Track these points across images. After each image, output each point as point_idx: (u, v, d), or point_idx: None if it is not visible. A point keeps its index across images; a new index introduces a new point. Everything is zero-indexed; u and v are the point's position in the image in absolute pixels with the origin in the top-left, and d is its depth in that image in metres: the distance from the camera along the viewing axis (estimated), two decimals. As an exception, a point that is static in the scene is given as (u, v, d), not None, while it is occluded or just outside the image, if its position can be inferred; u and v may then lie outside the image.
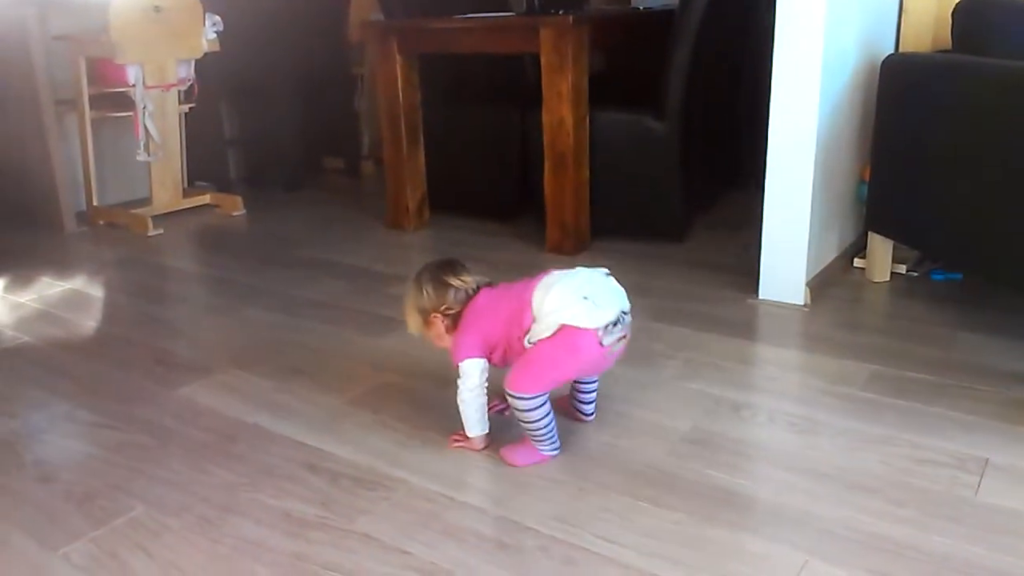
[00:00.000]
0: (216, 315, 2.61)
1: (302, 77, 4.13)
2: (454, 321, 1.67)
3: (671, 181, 2.90)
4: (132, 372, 2.16)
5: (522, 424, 1.62)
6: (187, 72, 3.62)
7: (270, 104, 4.11)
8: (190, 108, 3.77)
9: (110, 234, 3.52)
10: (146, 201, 3.70)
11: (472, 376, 1.64)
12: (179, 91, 3.64)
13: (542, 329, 1.56)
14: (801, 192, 2.31)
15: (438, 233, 3.30)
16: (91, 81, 3.43)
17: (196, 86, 3.68)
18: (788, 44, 2.24)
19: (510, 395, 1.59)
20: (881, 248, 2.52)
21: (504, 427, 1.75)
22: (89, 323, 2.54)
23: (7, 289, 2.87)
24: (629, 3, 3.97)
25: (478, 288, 1.69)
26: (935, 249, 2.41)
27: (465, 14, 3.05)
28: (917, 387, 1.90)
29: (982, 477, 1.55)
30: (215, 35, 3.57)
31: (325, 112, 4.36)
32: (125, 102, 3.48)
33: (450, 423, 1.75)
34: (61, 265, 3.12)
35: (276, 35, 4.00)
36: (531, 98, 2.96)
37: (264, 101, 4.11)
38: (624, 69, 3.56)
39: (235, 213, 3.75)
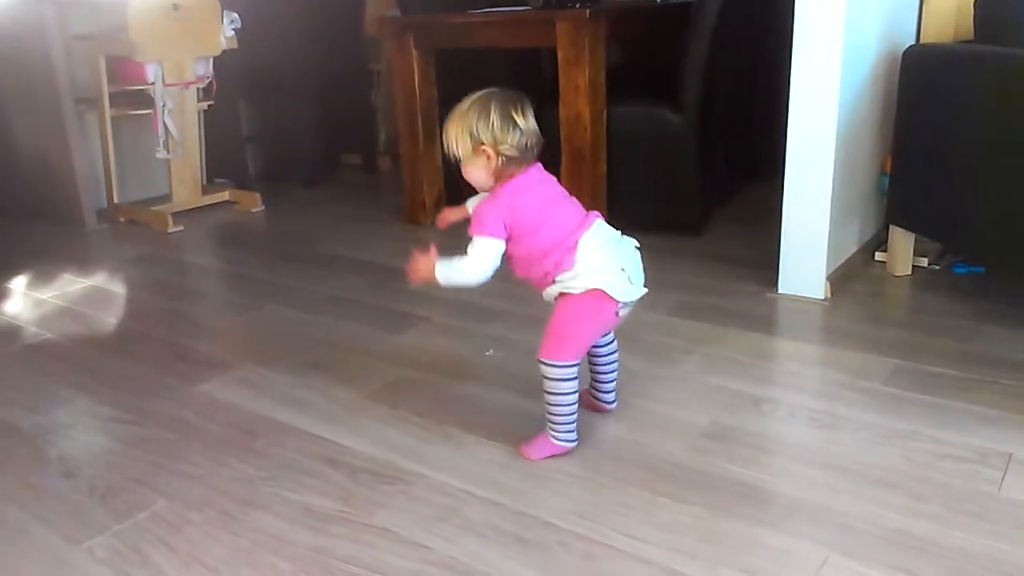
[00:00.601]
0: (236, 311, 2.63)
1: (319, 73, 4.15)
2: (502, 170, 1.53)
3: (689, 174, 2.88)
4: (153, 368, 2.18)
5: (548, 400, 1.60)
6: (205, 69, 3.64)
7: (288, 101, 4.12)
8: (209, 105, 3.79)
9: (130, 231, 3.55)
10: (166, 198, 3.72)
11: (484, 260, 1.53)
12: (198, 88, 3.66)
13: (575, 280, 1.55)
14: (821, 185, 2.29)
15: (455, 229, 3.28)
16: (111, 79, 3.46)
17: (214, 83, 3.70)
18: (808, 35, 2.21)
19: (543, 364, 1.57)
20: (902, 241, 2.50)
21: (523, 423, 1.76)
22: (110, 319, 2.56)
23: (29, 286, 2.90)
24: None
25: (535, 151, 1.55)
26: (957, 242, 2.39)
27: (482, 9, 3.05)
28: (939, 381, 1.88)
29: (1005, 472, 1.53)
30: (233, 32, 3.59)
31: (342, 108, 4.37)
32: (144, 100, 3.51)
33: (469, 418, 1.75)
34: (82, 262, 3.15)
35: (293, 32, 4.01)
36: (547, 93, 2.95)
37: (282, 98, 4.13)
38: (641, 62, 3.54)
39: (254, 209, 3.77)
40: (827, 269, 2.36)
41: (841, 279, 2.43)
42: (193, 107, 3.67)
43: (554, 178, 1.63)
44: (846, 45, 2.20)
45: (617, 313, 1.58)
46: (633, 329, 2.24)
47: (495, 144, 1.51)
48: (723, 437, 1.70)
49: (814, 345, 2.14)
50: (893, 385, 1.87)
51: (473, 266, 1.55)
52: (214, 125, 3.91)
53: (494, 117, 1.51)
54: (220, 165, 4.10)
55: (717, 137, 3.05)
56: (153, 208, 3.62)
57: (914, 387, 1.86)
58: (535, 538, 1.42)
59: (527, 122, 1.53)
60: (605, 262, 1.56)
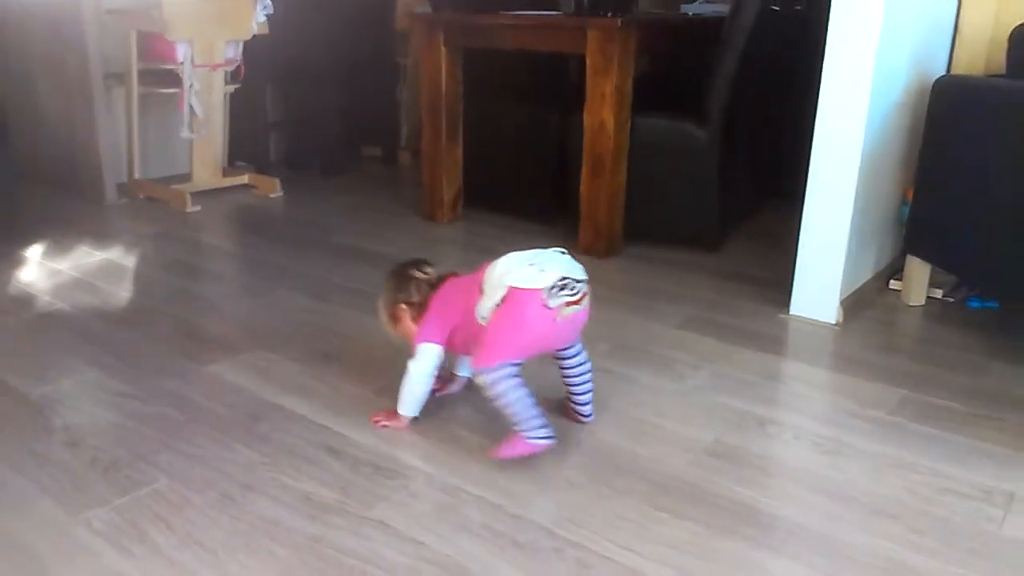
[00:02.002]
0: (248, 295, 2.64)
1: (347, 64, 4.16)
2: (419, 311, 1.73)
3: (709, 190, 2.88)
4: (163, 345, 2.19)
5: (500, 407, 1.60)
6: (235, 53, 3.66)
7: (314, 90, 4.14)
8: (235, 89, 3.81)
9: (149, 208, 3.58)
10: (186, 177, 3.74)
11: (426, 359, 1.70)
12: (226, 71, 3.68)
13: (491, 295, 1.60)
14: (841, 209, 2.29)
15: (470, 227, 3.31)
16: (140, 56, 3.48)
17: (243, 67, 3.72)
18: (839, 59, 2.21)
19: (476, 375, 1.61)
20: (918, 271, 2.49)
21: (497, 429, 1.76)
22: (123, 294, 2.58)
23: (45, 255, 2.92)
24: (678, 8, 3.94)
25: (441, 278, 1.75)
26: (973, 275, 2.37)
27: (513, 11, 3.05)
28: (947, 415, 1.87)
29: (1008, 511, 1.52)
30: (265, 18, 3.61)
31: (367, 100, 4.38)
32: (172, 79, 3.53)
33: (475, 419, 1.75)
34: (100, 235, 3.17)
35: (324, 22, 4.03)
36: (572, 100, 2.95)
37: (308, 86, 4.15)
38: (669, 75, 3.54)
39: (272, 195, 3.79)
40: (841, 294, 2.35)
41: (854, 305, 2.42)
42: (220, 89, 3.69)
43: (462, 276, 1.76)
44: (877, 71, 2.19)
45: (548, 306, 1.57)
46: (642, 341, 2.24)
47: (400, 300, 1.75)
48: (727, 456, 1.69)
49: (823, 369, 2.14)
50: (899, 415, 1.87)
51: (417, 371, 1.71)
52: (239, 109, 3.93)
53: (389, 283, 1.77)
54: (242, 149, 4.12)
55: (741, 154, 3.04)
56: (173, 187, 3.64)
57: (920, 419, 1.85)
58: (530, 542, 1.42)
59: (422, 270, 1.76)
60: (507, 265, 1.62)
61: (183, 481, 1.58)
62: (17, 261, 2.85)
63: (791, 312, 2.42)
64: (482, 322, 1.62)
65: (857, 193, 2.28)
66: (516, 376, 1.59)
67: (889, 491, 1.58)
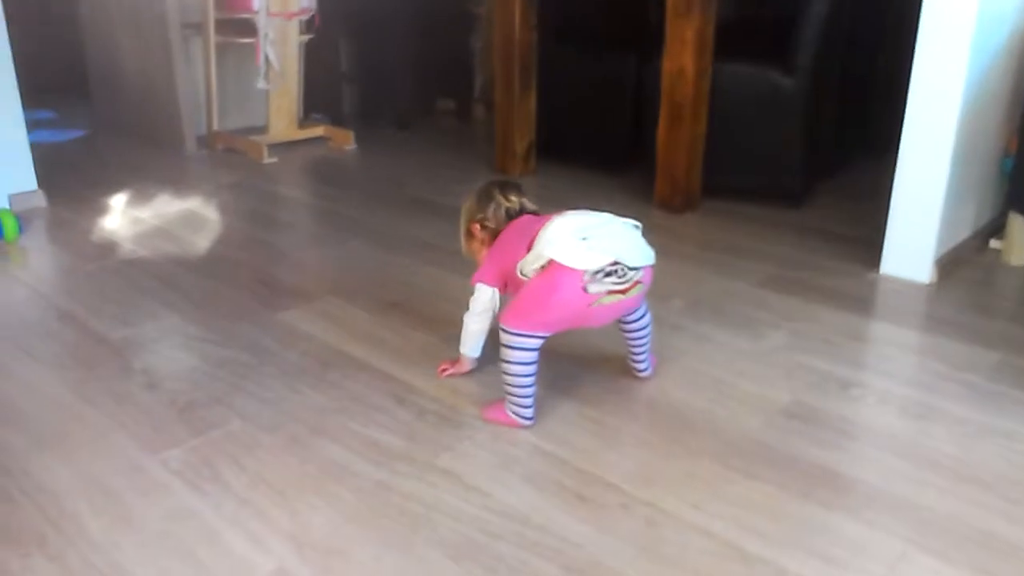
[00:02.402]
0: (321, 245, 2.66)
1: (420, 14, 4.11)
2: (491, 237, 1.67)
3: (794, 142, 2.74)
4: (238, 292, 2.23)
5: (502, 368, 1.55)
6: (309, 2, 3.65)
7: (387, 41, 4.11)
8: (309, 39, 3.81)
9: (227, 159, 3.63)
10: (263, 129, 3.78)
11: (480, 300, 1.66)
12: (300, 21, 3.68)
13: (531, 260, 1.52)
14: (938, 161, 2.14)
15: (544, 180, 3.25)
16: (217, 6, 3.51)
17: (317, 18, 3.72)
18: (939, 2, 2.05)
19: (500, 328, 1.54)
20: (1021, 229, 2.32)
21: (595, 384, 1.72)
22: (202, 242, 2.62)
23: (127, 204, 3.00)
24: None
25: (521, 211, 1.67)
26: (1084, 235, 2.20)
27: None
28: (1049, 381, 1.75)
29: (1116, 485, 1.41)
30: (339, -34, 3.59)
31: (441, 52, 4.33)
32: (248, 29, 3.55)
33: (544, 371, 1.72)
34: (179, 185, 3.24)
35: (398, -30, 3.98)
36: (651, 45, 2.84)
37: (381, 38, 4.12)
38: (755, 19, 3.36)
39: (347, 147, 3.80)
40: (936, 252, 2.22)
41: (950, 264, 2.28)
42: (295, 39, 3.70)
43: (537, 218, 1.65)
44: (980, 14, 2.03)
45: (586, 290, 1.47)
46: (719, 298, 2.16)
47: (475, 218, 1.69)
48: (805, 417, 1.62)
49: (914, 331, 2.02)
50: (996, 381, 1.75)
51: (473, 311, 1.68)
52: (313, 60, 3.94)
53: (471, 198, 1.71)
54: (317, 101, 4.13)
55: (829, 105, 2.88)
56: (251, 138, 3.68)
57: (1019, 385, 1.73)
58: (596, 497, 1.39)
59: (506, 196, 1.68)
60: (558, 233, 1.51)
61: (255, 423, 1.60)
62: (100, 209, 2.93)
63: (881, 271, 2.29)
64: (523, 278, 1.55)
65: (956, 144, 2.13)
66: (533, 351, 1.53)
67: (982, 458, 1.49)
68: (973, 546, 1.27)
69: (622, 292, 1.51)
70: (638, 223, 1.59)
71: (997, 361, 1.83)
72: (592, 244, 1.48)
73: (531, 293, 1.52)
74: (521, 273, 1.55)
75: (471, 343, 1.72)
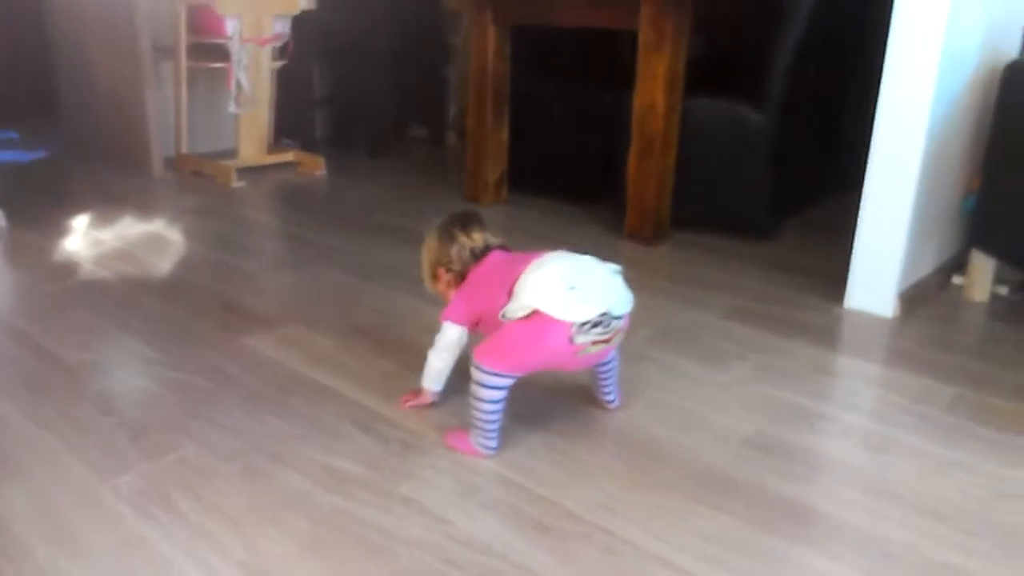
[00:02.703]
0: (287, 270, 2.63)
1: (395, 43, 4.13)
2: (456, 279, 1.65)
3: (764, 176, 2.77)
4: (200, 317, 2.19)
5: (472, 400, 1.52)
6: (283, 28, 3.66)
7: (361, 68, 4.12)
8: (282, 65, 3.81)
9: (194, 182, 3.60)
10: (232, 153, 3.76)
11: (448, 337, 1.63)
12: (274, 47, 3.68)
13: (516, 308, 1.47)
14: (902, 197, 2.18)
15: (515, 211, 3.26)
16: (190, 30, 3.50)
17: (291, 43, 3.72)
18: (904, 40, 2.10)
19: (473, 363, 1.51)
20: (982, 266, 2.37)
21: (565, 414, 1.71)
22: (164, 265, 2.58)
23: (90, 226, 2.95)
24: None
25: (487, 249, 1.64)
26: (1042, 273, 2.25)
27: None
28: (1005, 416, 1.76)
29: (1072, 520, 1.43)
30: (313, -6, 3.60)
31: (414, 80, 4.35)
32: (220, 54, 3.54)
33: (509, 400, 1.71)
34: (145, 207, 3.20)
35: (373, -1, 4.01)
36: (623, 80, 2.87)
37: (355, 64, 4.13)
38: (725, 55, 3.42)
39: (317, 173, 3.78)
40: (899, 287, 2.24)
41: (913, 299, 2.31)
42: (268, 65, 3.70)
43: (512, 253, 1.66)
44: (944, 53, 2.08)
45: (572, 341, 1.45)
46: (685, 329, 2.17)
47: (440, 263, 1.66)
48: (769, 449, 1.62)
49: (876, 364, 2.04)
50: (955, 414, 1.77)
51: (440, 347, 1.65)
52: (286, 85, 3.94)
53: (431, 241, 1.68)
54: (288, 126, 4.12)
55: (799, 141, 2.93)
56: (219, 162, 3.65)
57: (977, 419, 1.75)
58: (558, 526, 1.37)
59: (469, 235, 1.64)
60: (545, 282, 1.47)
61: (211, 450, 1.56)
62: (62, 230, 2.88)
63: (845, 305, 2.32)
64: (503, 320, 1.51)
65: (920, 181, 2.17)
66: (504, 389, 1.51)
67: (940, 491, 1.49)
68: (933, 579, 1.28)
69: (606, 341, 1.51)
70: (619, 267, 1.57)
71: (954, 395, 1.85)
72: (580, 295, 1.45)
73: (513, 337, 1.49)
74: (502, 316, 1.51)
75: (434, 379, 1.69)
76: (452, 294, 1.66)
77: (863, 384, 1.94)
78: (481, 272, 1.62)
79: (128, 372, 1.89)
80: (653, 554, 1.31)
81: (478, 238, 1.65)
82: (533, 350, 1.48)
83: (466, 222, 1.67)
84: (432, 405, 1.73)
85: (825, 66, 2.96)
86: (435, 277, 1.70)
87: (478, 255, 1.64)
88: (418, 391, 1.73)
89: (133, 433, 1.62)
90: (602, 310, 1.46)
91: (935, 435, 1.68)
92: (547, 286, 1.46)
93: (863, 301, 2.29)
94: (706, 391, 1.85)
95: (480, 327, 1.62)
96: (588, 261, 1.55)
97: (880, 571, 1.29)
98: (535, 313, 1.45)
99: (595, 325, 1.46)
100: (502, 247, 1.67)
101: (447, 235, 1.66)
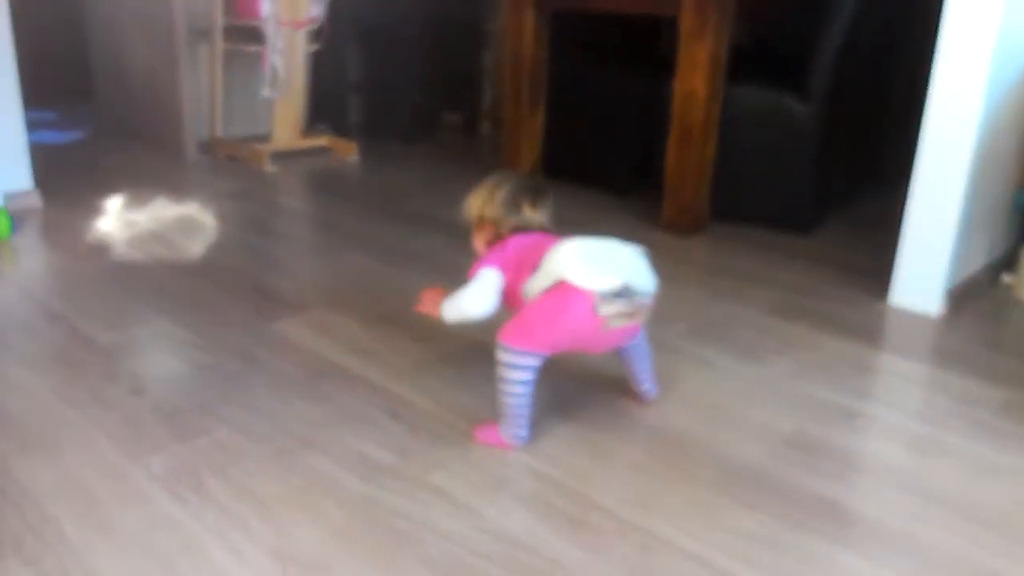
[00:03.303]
0: (318, 255, 2.62)
1: (431, 28, 4.10)
2: (496, 240, 1.61)
3: (806, 169, 2.71)
4: (232, 300, 2.18)
5: (501, 386, 1.50)
6: (318, 11, 3.64)
7: (396, 54, 4.10)
8: (317, 49, 3.79)
9: (228, 166, 3.60)
10: (266, 137, 3.76)
11: (485, 291, 1.54)
12: (309, 31, 3.67)
13: (541, 279, 1.47)
14: (952, 192, 2.11)
15: (548, 199, 3.21)
16: (225, 13, 3.49)
17: (326, 27, 3.70)
18: (958, 32, 2.03)
19: (499, 346, 1.48)
20: (1033, 265, 2.29)
21: (595, 406, 1.68)
22: (197, 248, 2.59)
23: (125, 207, 2.96)
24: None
25: (538, 227, 1.61)
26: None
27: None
28: (1058, 420, 1.70)
29: None
30: (350, -23, 3.58)
31: (450, 66, 4.31)
32: (256, 36, 3.53)
33: (540, 391, 1.68)
34: (179, 190, 3.20)
35: (409, -17, 3.98)
36: (662, 67, 2.82)
37: (390, 50, 4.11)
38: (770, 43, 3.34)
39: (350, 158, 3.77)
40: (947, 284, 2.17)
41: (961, 297, 2.24)
42: (303, 49, 3.69)
43: (551, 239, 1.59)
44: (998, 46, 2.00)
45: (596, 311, 1.43)
46: (723, 323, 2.12)
47: (493, 221, 1.62)
48: (807, 447, 1.57)
49: (921, 363, 1.98)
50: (1005, 417, 1.71)
51: (474, 297, 1.55)
52: (320, 70, 3.92)
53: (498, 198, 1.62)
54: (322, 111, 4.11)
55: (843, 132, 2.85)
56: (253, 146, 3.65)
57: (1028, 422, 1.69)
58: (590, 521, 1.34)
59: (531, 211, 1.61)
60: (568, 254, 1.47)
61: (242, 433, 1.55)
62: (97, 211, 2.90)
63: (890, 302, 2.25)
64: (524, 298, 1.51)
65: (970, 175, 2.10)
66: (532, 370, 1.48)
67: (986, 497, 1.44)
68: (980, 587, 1.23)
69: (629, 316, 1.47)
70: (643, 250, 1.55)
71: (1005, 398, 1.78)
72: (606, 266, 1.46)
73: (538, 311, 1.47)
74: (524, 293, 1.50)
75: (454, 314, 1.60)
76: (485, 248, 1.63)
77: (908, 383, 1.88)
78: (522, 243, 1.58)
79: (159, 353, 1.89)
80: (687, 551, 1.28)
81: (539, 217, 1.62)
82: (558, 322, 1.46)
83: (536, 198, 1.63)
84: (466, 390, 1.71)
85: (871, 58, 2.87)
86: (479, 228, 1.65)
87: (525, 230, 1.61)
88: (438, 296, 1.65)
89: (164, 414, 1.61)
90: (624, 281, 1.46)
91: (983, 438, 1.63)
92: (570, 257, 1.47)
93: (909, 298, 2.22)
94: (744, 387, 1.80)
95: (504, 297, 1.58)
96: (613, 243, 1.54)
97: (919, 574, 1.25)
98: (559, 284, 1.44)
99: (618, 296, 1.45)
100: (546, 231, 1.63)
101: (513, 204, 1.61)
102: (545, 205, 1.63)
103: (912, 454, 1.57)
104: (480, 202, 1.64)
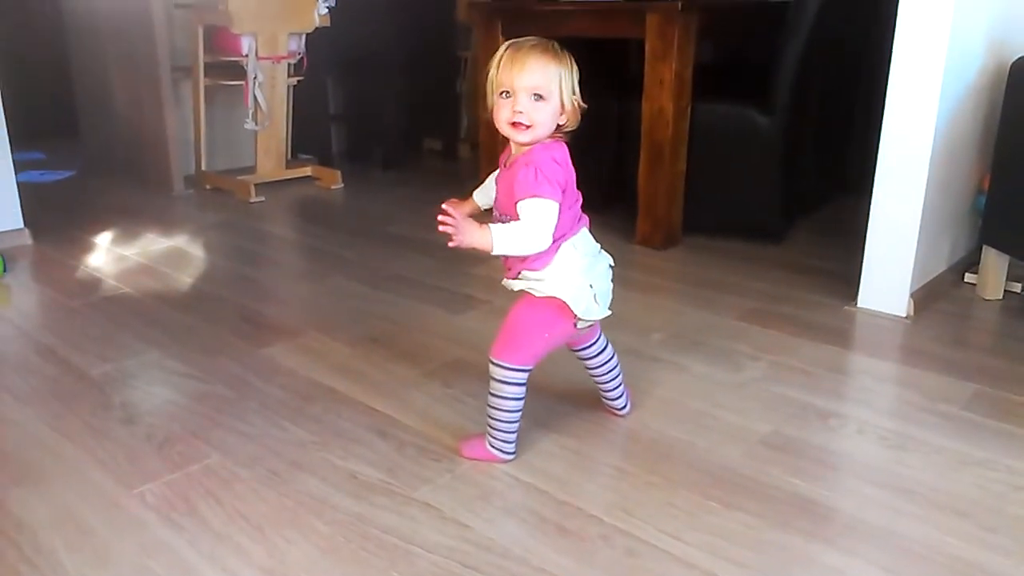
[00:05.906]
0: (305, 281, 2.67)
1: (408, 57, 4.17)
2: (535, 140, 1.46)
3: (773, 179, 2.79)
4: (221, 328, 2.23)
5: (489, 403, 1.54)
6: (298, 46, 3.72)
7: (375, 82, 4.17)
8: (298, 81, 3.86)
9: (214, 198, 3.65)
10: (251, 169, 3.81)
11: (547, 224, 1.40)
12: (289, 64, 3.74)
13: (540, 283, 1.48)
14: (912, 196, 2.18)
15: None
16: (207, 50, 3.56)
17: (305, 60, 3.78)
18: (910, 41, 2.10)
19: (492, 363, 1.51)
20: (995, 264, 2.36)
21: (576, 415, 1.73)
22: (186, 279, 2.63)
23: (114, 242, 3.01)
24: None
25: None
26: (1057, 269, 2.24)
27: (571, -3, 3.00)
28: (1022, 411, 1.76)
29: (1091, 513, 1.42)
30: (327, 10, 3.66)
31: (428, 93, 4.39)
32: (237, 72, 3.60)
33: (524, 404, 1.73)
34: (166, 224, 3.25)
35: (385, 14, 4.05)
36: (630, 87, 2.89)
37: (369, 79, 4.18)
38: (733, 61, 3.44)
39: (334, 187, 3.83)
40: (912, 285, 2.24)
41: (926, 298, 2.31)
42: (283, 81, 3.75)
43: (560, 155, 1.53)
44: (950, 53, 2.08)
45: (575, 326, 1.53)
46: (698, 331, 2.18)
47: (573, 99, 1.50)
48: (784, 448, 1.63)
49: (891, 363, 2.04)
50: (972, 411, 1.77)
51: (539, 235, 1.41)
52: (302, 101, 3.99)
53: (576, 81, 1.52)
54: (305, 141, 4.18)
55: (807, 143, 2.94)
56: (238, 178, 3.71)
57: (994, 415, 1.75)
58: (576, 528, 1.38)
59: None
60: (575, 273, 1.49)
61: (234, 458, 1.59)
62: (86, 247, 2.94)
63: (858, 304, 2.32)
64: (517, 281, 1.51)
65: (929, 180, 2.17)
66: (523, 385, 1.53)
67: (958, 487, 1.50)
68: (950, 574, 1.27)
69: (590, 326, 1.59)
70: (612, 263, 1.61)
71: (972, 392, 1.85)
72: (596, 295, 1.52)
73: (527, 323, 1.52)
74: (522, 274, 1.49)
75: (510, 252, 1.45)
76: (529, 135, 1.46)
77: (879, 382, 1.94)
78: (565, 155, 1.49)
79: (150, 383, 1.93)
80: (672, 553, 1.32)
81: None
82: (545, 334, 1.53)
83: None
84: (450, 407, 1.76)
85: (831, 69, 2.96)
86: (544, 98, 1.45)
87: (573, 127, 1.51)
88: (467, 223, 1.43)
89: (157, 442, 1.65)
90: (608, 313, 1.55)
91: (953, 432, 1.68)
92: (574, 281, 1.49)
93: (876, 300, 2.29)
94: (719, 391, 1.86)
95: (496, 204, 1.56)
96: (604, 261, 1.58)
97: (899, 567, 1.29)
98: (554, 299, 1.49)
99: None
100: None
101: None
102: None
103: (886, 450, 1.63)
104: (572, 72, 1.51)
